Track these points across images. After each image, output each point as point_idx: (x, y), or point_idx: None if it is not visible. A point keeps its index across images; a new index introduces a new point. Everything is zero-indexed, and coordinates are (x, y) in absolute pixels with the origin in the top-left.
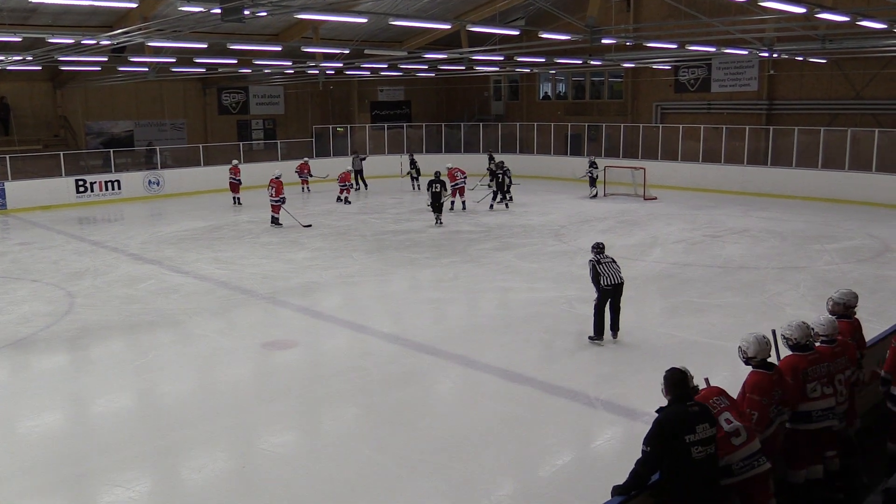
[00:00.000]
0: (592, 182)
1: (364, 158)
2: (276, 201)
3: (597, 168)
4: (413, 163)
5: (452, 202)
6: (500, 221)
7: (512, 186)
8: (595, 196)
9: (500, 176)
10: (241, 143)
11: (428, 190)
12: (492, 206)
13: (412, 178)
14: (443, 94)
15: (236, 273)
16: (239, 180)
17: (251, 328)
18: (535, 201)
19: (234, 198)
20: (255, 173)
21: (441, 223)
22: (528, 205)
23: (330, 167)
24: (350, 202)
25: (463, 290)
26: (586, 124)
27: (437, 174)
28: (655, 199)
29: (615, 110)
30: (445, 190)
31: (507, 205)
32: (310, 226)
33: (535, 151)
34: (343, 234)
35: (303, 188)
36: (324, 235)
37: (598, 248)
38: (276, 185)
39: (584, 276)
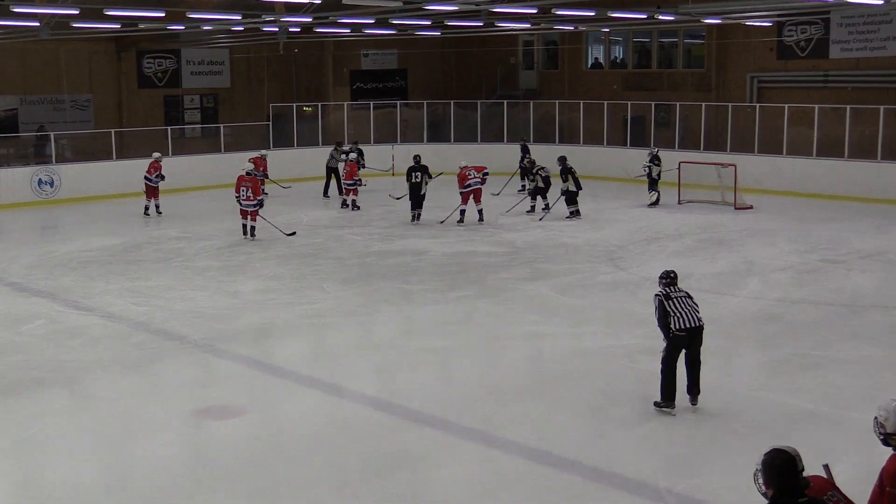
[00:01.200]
0: (653, 183)
1: (349, 151)
2: (252, 206)
3: (659, 164)
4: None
5: (463, 211)
6: (532, 239)
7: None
8: (656, 203)
9: (535, 178)
10: (169, 129)
11: (407, 180)
12: (543, 210)
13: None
14: (452, 62)
15: (161, 311)
16: (156, 181)
17: (180, 389)
18: (581, 211)
19: (146, 207)
20: (188, 170)
21: (418, 220)
22: (568, 217)
23: (293, 165)
24: (359, 207)
25: (478, 336)
26: (652, 103)
27: (417, 159)
28: (751, 208)
29: (694, 84)
30: (429, 177)
31: (541, 215)
32: (294, 234)
33: (580, 141)
34: (311, 257)
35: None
36: (283, 258)
37: (669, 279)
38: (253, 183)
39: (650, 316)
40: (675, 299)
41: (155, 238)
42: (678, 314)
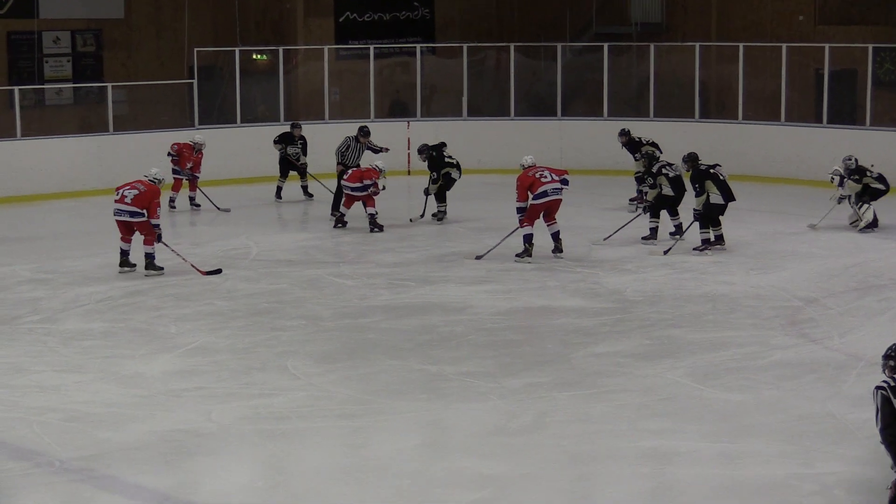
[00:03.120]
0: (865, 194)
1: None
2: (155, 226)
3: (868, 174)
4: (434, 155)
5: (529, 238)
6: (652, 287)
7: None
8: (873, 224)
9: (657, 181)
10: (16, 90)
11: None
12: (672, 237)
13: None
14: None
15: (2, 410)
16: (186, 174)
17: None
18: (740, 235)
19: (171, 199)
20: (50, 163)
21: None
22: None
23: (236, 154)
24: (382, 227)
25: (557, 456)
26: (870, 46)
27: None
28: None
29: None
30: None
31: (669, 245)
32: (218, 272)
33: (738, 115)
34: (265, 315)
35: (172, 203)
36: (217, 316)
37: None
38: (149, 190)
39: (865, 424)
40: None
41: None
42: None
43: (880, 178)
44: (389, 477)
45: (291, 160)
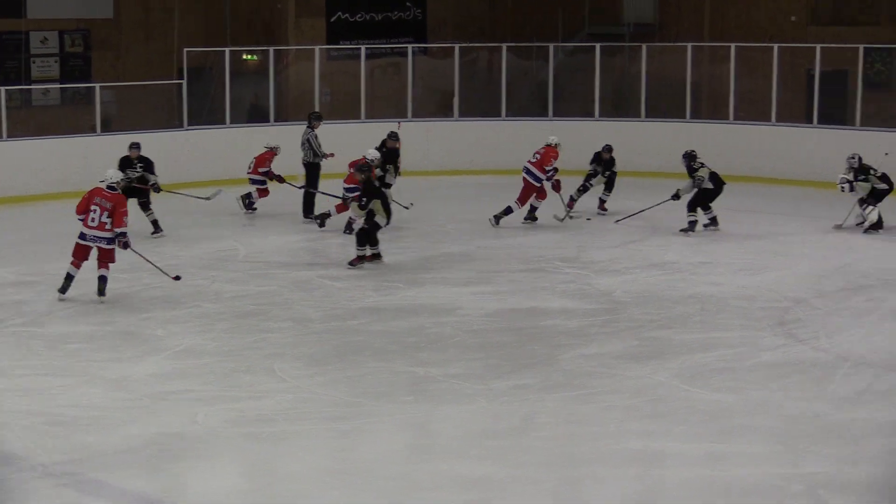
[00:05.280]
0: (864, 199)
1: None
2: (106, 241)
3: (872, 173)
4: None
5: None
6: (641, 287)
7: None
8: (878, 225)
9: (693, 170)
10: (2, 89)
11: (308, 152)
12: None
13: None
14: None
15: None
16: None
17: None
18: (729, 235)
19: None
20: (36, 164)
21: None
22: (713, 243)
23: (223, 155)
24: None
25: (546, 458)
26: (860, 46)
27: (315, 116)
28: None
29: None
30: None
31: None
32: (178, 278)
33: (729, 115)
34: (252, 317)
35: (147, 206)
36: (204, 319)
37: None
38: (116, 202)
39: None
40: None
41: None
42: None
43: (884, 178)
44: (376, 479)
45: (141, 186)
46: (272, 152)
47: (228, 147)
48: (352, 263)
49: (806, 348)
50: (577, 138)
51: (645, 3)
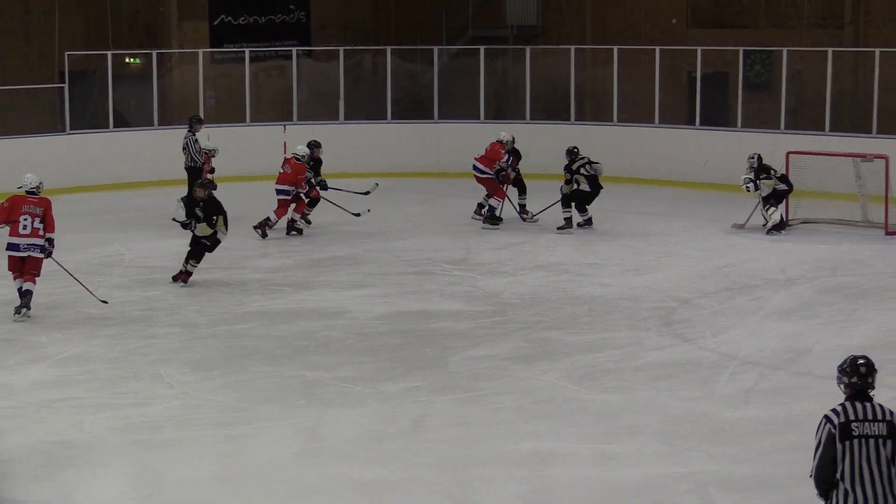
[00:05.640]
0: (772, 197)
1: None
2: (37, 249)
3: (773, 173)
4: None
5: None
6: (529, 288)
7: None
8: (780, 226)
9: (571, 171)
10: None
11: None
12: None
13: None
14: None
15: None
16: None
17: None
18: (615, 236)
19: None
20: None
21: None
22: (599, 244)
23: (101, 162)
24: (301, 231)
25: (436, 460)
26: (740, 49)
27: (196, 119)
28: None
29: (814, 16)
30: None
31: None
32: (105, 302)
33: (613, 117)
34: (137, 323)
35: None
36: (88, 325)
37: (860, 382)
38: (44, 207)
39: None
40: (860, 441)
41: None
42: (858, 477)
43: (783, 179)
44: (267, 484)
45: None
46: (207, 157)
47: (112, 151)
48: (176, 278)
49: (692, 348)
50: (463, 141)
51: (528, 6)
